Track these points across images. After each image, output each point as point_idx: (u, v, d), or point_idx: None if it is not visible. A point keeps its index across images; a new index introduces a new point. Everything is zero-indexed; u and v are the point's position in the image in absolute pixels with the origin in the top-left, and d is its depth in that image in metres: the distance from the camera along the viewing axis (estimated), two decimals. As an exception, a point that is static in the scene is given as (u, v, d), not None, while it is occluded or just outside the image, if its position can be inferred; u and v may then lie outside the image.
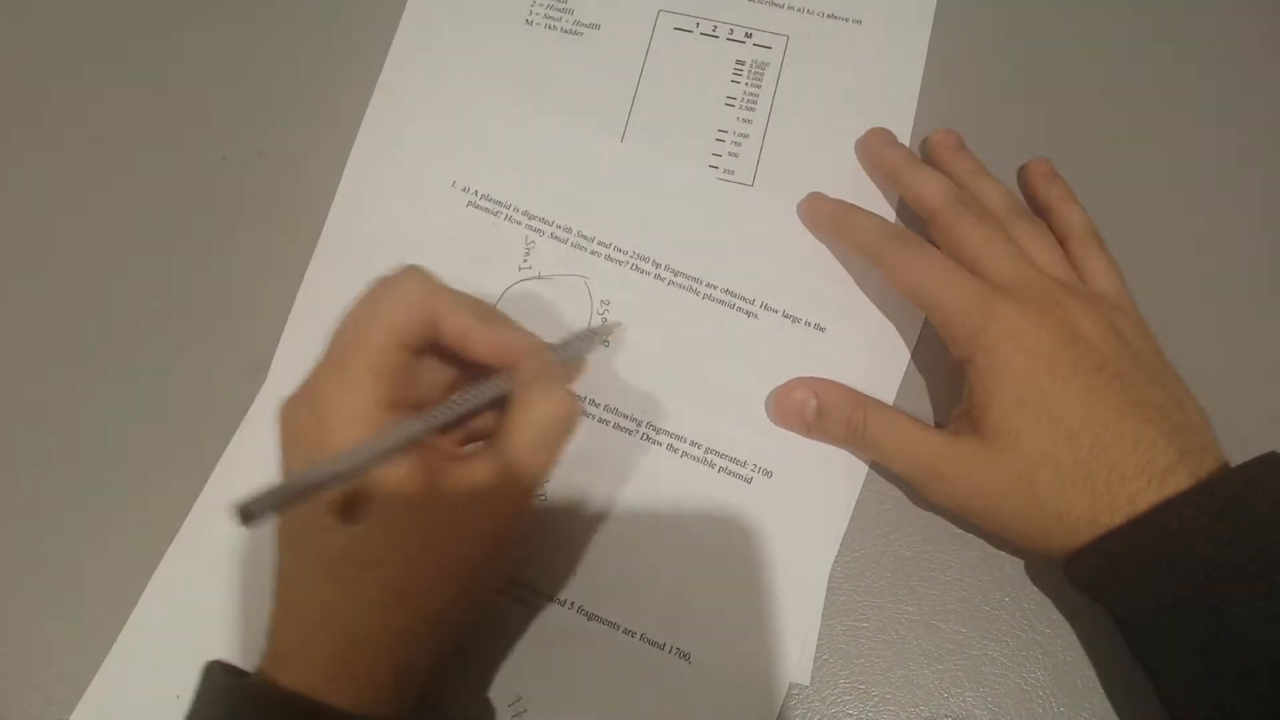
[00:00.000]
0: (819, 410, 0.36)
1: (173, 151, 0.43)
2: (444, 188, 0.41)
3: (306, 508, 0.27)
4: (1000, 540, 0.36)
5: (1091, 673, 0.35)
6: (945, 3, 0.43)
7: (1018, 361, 0.32)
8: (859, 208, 0.39)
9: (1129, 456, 0.31)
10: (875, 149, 0.40)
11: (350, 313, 0.30)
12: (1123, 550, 0.30)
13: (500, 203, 0.41)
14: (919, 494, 0.35)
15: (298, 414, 0.29)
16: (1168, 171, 0.41)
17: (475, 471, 0.29)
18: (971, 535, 0.36)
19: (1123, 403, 0.31)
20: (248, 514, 0.24)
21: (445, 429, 0.30)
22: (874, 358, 0.38)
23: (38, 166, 0.43)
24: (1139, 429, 0.31)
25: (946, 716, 0.34)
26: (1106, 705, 0.34)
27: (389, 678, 0.29)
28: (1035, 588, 0.36)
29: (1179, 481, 0.30)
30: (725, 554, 0.36)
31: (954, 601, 0.36)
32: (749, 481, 0.37)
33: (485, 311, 0.31)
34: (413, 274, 0.30)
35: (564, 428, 0.30)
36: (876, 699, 0.35)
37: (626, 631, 0.35)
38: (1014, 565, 0.36)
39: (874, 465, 0.37)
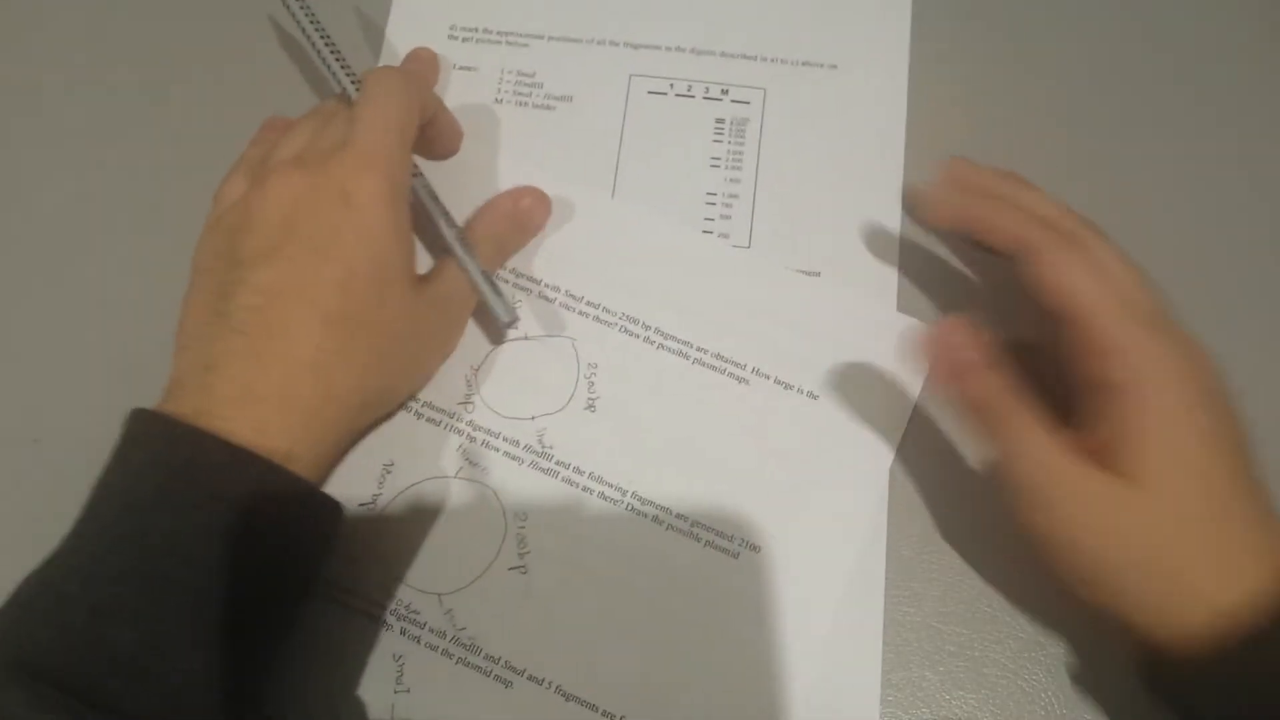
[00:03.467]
0: (967, 368, 0.32)
1: (171, 152, 0.42)
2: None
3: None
4: (1073, 592, 0.31)
5: (1093, 675, 0.34)
6: (919, 37, 0.43)
7: (1177, 409, 0.29)
8: (1024, 181, 0.35)
9: (1254, 533, 0.29)
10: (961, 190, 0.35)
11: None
12: (1238, 672, 0.28)
13: (487, 262, 0.40)
14: (1011, 511, 0.31)
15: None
16: (1161, 194, 0.41)
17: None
18: (973, 536, 0.36)
19: (1247, 474, 0.30)
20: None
21: None
22: (868, 430, 0.37)
23: (34, 167, 0.42)
24: (1261, 508, 0.30)
25: (948, 718, 0.34)
26: (1108, 708, 0.34)
27: (305, 422, 0.31)
28: (1038, 589, 0.34)
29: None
30: (710, 632, 0.35)
31: (955, 603, 0.35)
32: (736, 556, 0.35)
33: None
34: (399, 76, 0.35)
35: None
36: (877, 700, 0.34)
37: (605, 714, 0.34)
38: (1016, 567, 0.35)
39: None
